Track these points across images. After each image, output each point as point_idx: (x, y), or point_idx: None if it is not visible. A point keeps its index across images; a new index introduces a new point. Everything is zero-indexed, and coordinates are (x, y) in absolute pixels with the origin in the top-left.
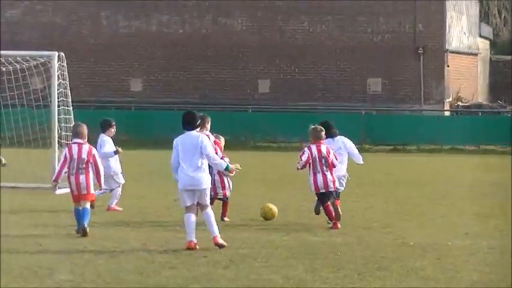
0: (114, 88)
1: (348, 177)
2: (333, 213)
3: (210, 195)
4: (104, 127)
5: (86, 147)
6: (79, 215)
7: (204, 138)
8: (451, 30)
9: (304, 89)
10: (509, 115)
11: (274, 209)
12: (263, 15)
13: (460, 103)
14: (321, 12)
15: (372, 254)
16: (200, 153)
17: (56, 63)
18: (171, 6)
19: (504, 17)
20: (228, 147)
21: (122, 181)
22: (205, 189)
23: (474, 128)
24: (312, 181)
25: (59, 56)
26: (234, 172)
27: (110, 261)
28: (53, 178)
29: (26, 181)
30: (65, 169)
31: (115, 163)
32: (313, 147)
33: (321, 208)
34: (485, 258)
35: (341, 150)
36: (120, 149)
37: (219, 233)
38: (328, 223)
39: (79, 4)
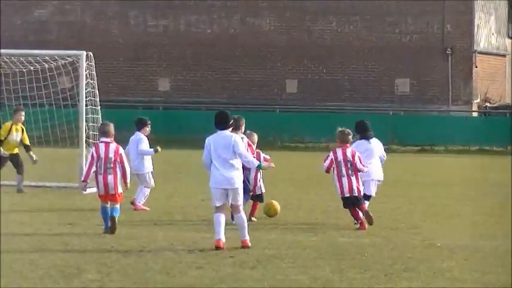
0: (142, 88)
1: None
2: (359, 214)
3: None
4: (139, 126)
5: (113, 146)
6: (106, 214)
7: (236, 137)
8: (479, 30)
9: (332, 89)
10: None
11: (277, 205)
12: (291, 15)
13: (488, 104)
14: (349, 13)
15: (399, 254)
16: (233, 152)
17: (84, 63)
18: (199, 5)
19: None
20: (256, 146)
21: (152, 184)
22: (237, 188)
23: (502, 129)
24: (338, 185)
25: (87, 55)
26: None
27: (137, 261)
28: (83, 178)
29: (54, 180)
30: (93, 168)
31: (148, 163)
32: (339, 151)
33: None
34: None
35: (373, 152)
36: (159, 148)
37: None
38: (355, 223)
39: (107, 3)
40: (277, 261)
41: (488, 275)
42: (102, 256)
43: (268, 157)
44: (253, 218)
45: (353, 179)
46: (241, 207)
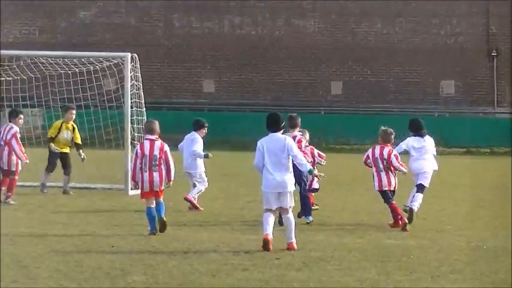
0: (187, 89)
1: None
2: (398, 210)
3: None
4: (196, 126)
5: (158, 143)
6: (151, 215)
7: (289, 139)
8: None
9: (377, 91)
10: None
11: None
12: (336, 17)
13: None
14: (394, 14)
15: (445, 256)
16: (287, 155)
17: (129, 64)
18: (243, 7)
19: None
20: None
21: (206, 183)
22: (290, 191)
23: None
24: (376, 179)
25: (132, 57)
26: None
27: (183, 263)
28: (132, 178)
29: (99, 182)
30: (138, 165)
31: (200, 162)
32: (377, 149)
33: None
34: None
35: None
36: (210, 155)
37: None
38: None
39: (151, 5)
40: (322, 264)
41: None
42: (147, 258)
43: (323, 154)
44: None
45: (390, 174)
46: (290, 209)
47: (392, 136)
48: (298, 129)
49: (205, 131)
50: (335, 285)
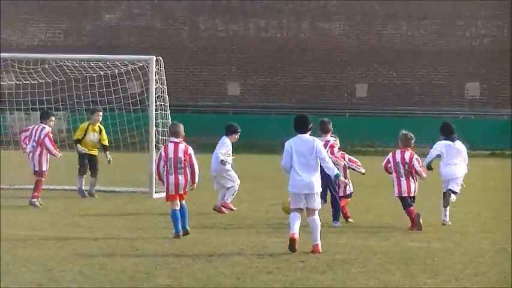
0: (211, 92)
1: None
2: (414, 213)
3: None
4: (229, 132)
5: (182, 146)
6: (176, 219)
7: (318, 141)
8: None
9: (402, 93)
10: None
11: None
12: (361, 19)
13: None
14: (419, 16)
15: (470, 259)
16: (315, 156)
17: (154, 68)
18: (268, 10)
19: None
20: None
21: (238, 180)
22: (317, 193)
23: None
24: (396, 185)
25: (157, 60)
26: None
27: (207, 266)
28: (158, 178)
29: (123, 185)
30: (162, 166)
31: (228, 166)
32: (397, 153)
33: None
34: None
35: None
36: (231, 161)
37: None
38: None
39: (177, 8)
40: (347, 266)
41: None
42: (172, 261)
43: (355, 159)
44: (350, 220)
45: (411, 180)
46: (316, 211)
47: (413, 141)
48: (330, 134)
49: (237, 136)
50: None
